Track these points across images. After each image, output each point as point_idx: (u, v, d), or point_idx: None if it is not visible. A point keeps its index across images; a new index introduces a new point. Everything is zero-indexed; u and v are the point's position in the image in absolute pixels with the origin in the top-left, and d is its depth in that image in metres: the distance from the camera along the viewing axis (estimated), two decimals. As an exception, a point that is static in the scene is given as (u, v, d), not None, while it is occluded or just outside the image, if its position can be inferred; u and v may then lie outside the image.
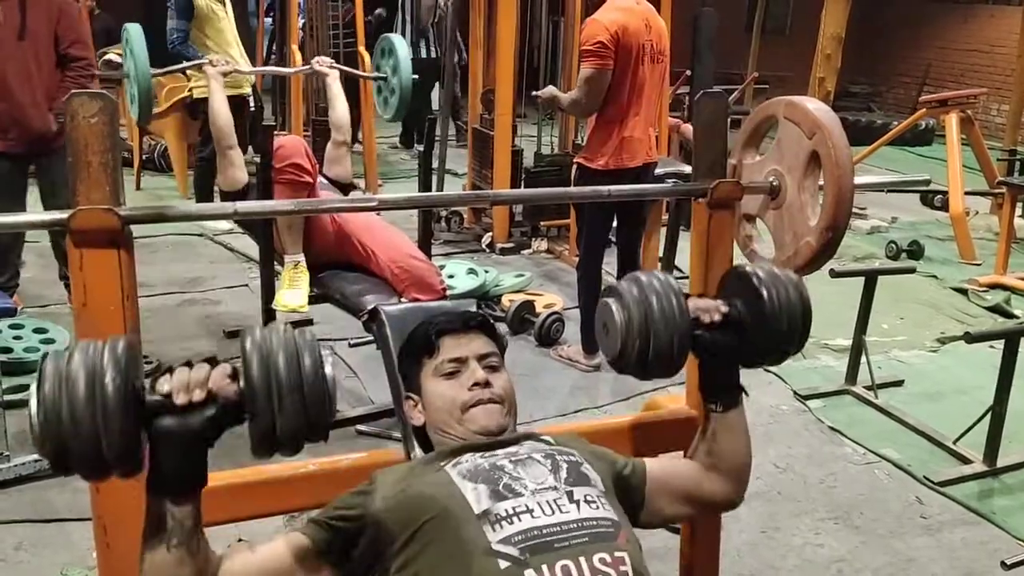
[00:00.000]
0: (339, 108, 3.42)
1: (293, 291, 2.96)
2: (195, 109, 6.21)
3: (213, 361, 1.10)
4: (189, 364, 1.09)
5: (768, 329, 1.33)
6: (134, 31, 3.05)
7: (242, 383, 1.06)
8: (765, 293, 1.33)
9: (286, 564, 1.22)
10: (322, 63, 3.60)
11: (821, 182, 1.60)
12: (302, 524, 1.83)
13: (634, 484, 1.41)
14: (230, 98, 5.16)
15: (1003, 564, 2.48)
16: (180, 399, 1.05)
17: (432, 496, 1.24)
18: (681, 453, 1.78)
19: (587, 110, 3.50)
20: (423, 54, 8.03)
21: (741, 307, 1.36)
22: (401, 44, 3.38)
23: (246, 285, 4.60)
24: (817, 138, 1.56)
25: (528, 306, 4.12)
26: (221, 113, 3.17)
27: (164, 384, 1.07)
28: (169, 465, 1.07)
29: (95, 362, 1.00)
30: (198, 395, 1.06)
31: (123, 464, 1.02)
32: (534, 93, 3.83)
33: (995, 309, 4.75)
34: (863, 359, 3.53)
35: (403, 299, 2.89)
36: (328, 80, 3.51)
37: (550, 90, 3.76)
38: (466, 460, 1.30)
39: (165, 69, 4.63)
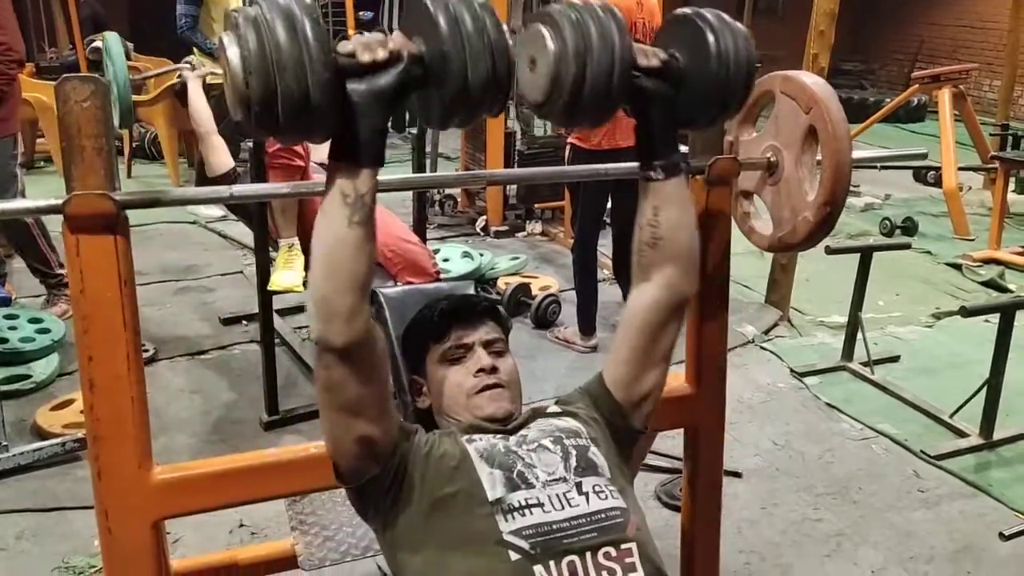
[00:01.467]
0: None
1: (288, 271, 2.96)
2: (185, 96, 6.19)
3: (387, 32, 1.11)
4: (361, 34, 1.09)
5: (710, 81, 1.24)
6: (112, 39, 3.00)
7: (424, 42, 1.05)
8: (712, 40, 1.23)
9: (381, 401, 1.22)
10: None
11: (819, 157, 1.60)
12: (302, 506, 1.84)
13: (606, 400, 1.40)
14: None
15: (1001, 535, 2.50)
16: (365, 57, 1.05)
17: (452, 471, 1.25)
18: (682, 432, 1.79)
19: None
20: None
21: (681, 56, 1.26)
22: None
23: (240, 272, 4.59)
24: (814, 112, 1.55)
25: (524, 289, 4.12)
26: (198, 104, 3.18)
27: (346, 45, 1.06)
28: (356, 129, 1.06)
29: (290, 6, 1.00)
30: (382, 53, 1.06)
31: (327, 105, 1.01)
32: None
33: (989, 284, 4.77)
34: (859, 336, 3.54)
35: (397, 282, 2.88)
36: None
37: None
38: (479, 438, 1.31)
39: (147, 74, 4.64)
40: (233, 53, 0.99)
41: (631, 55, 1.19)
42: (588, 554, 1.18)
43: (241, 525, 2.46)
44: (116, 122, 3.41)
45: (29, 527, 2.46)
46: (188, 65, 3.28)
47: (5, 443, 2.67)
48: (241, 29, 0.99)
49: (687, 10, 1.30)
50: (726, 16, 1.28)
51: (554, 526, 1.20)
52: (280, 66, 0.97)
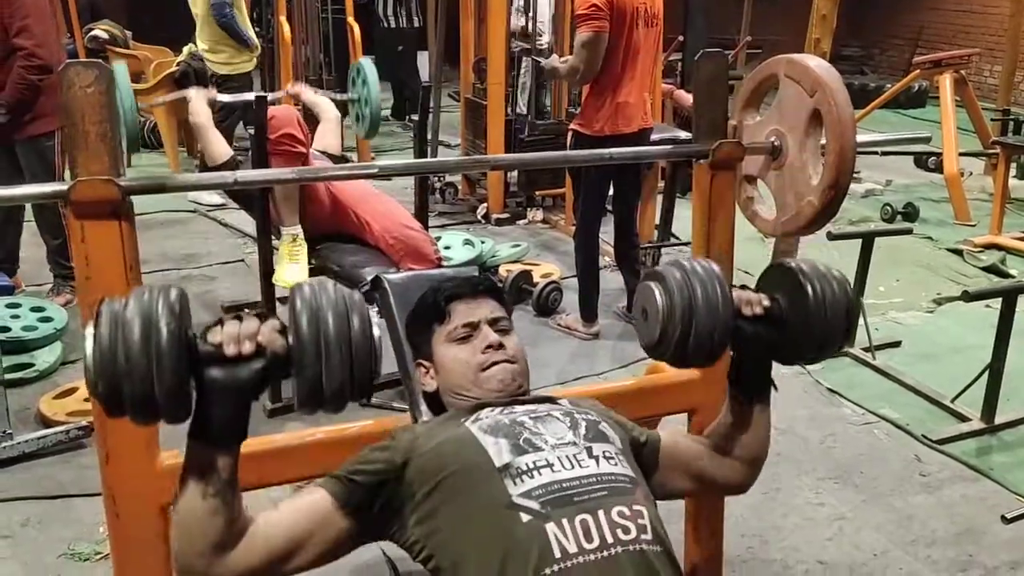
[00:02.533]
0: (323, 105, 3.47)
1: (293, 264, 2.96)
2: (185, 84, 6.19)
3: (263, 316, 1.11)
4: (239, 318, 1.10)
5: (810, 326, 1.30)
6: (120, 70, 3.04)
7: (291, 338, 1.08)
8: (810, 289, 1.29)
9: (308, 524, 1.22)
10: (294, 86, 3.70)
11: (822, 141, 1.60)
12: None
13: (648, 454, 1.43)
14: (245, 73, 5.65)
15: (1003, 518, 2.51)
16: (230, 350, 1.07)
17: (454, 450, 1.26)
18: (686, 416, 1.80)
19: (586, 76, 3.45)
20: (403, 24, 7.95)
21: (783, 302, 1.33)
22: (371, 68, 3.43)
23: (242, 260, 4.59)
24: (818, 96, 1.55)
25: (525, 276, 4.12)
26: (201, 107, 3.20)
27: (215, 335, 1.08)
28: (214, 414, 1.08)
29: (150, 308, 1.02)
30: (248, 347, 1.07)
31: (173, 408, 1.04)
32: (535, 58, 3.80)
33: (990, 269, 4.77)
34: (860, 321, 3.54)
35: (399, 269, 2.89)
36: (304, 97, 3.52)
37: (552, 61, 3.74)
38: (485, 416, 1.32)
39: (156, 101, 4.76)
40: (88, 346, 1.01)
41: (732, 317, 1.27)
42: (601, 512, 1.18)
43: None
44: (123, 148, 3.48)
45: (34, 514, 2.47)
46: (193, 91, 3.31)
47: (10, 431, 2.68)
48: (101, 326, 1.01)
49: (790, 262, 1.37)
50: (822, 267, 1.34)
51: (564, 484, 1.20)
52: (129, 370, 1.00)
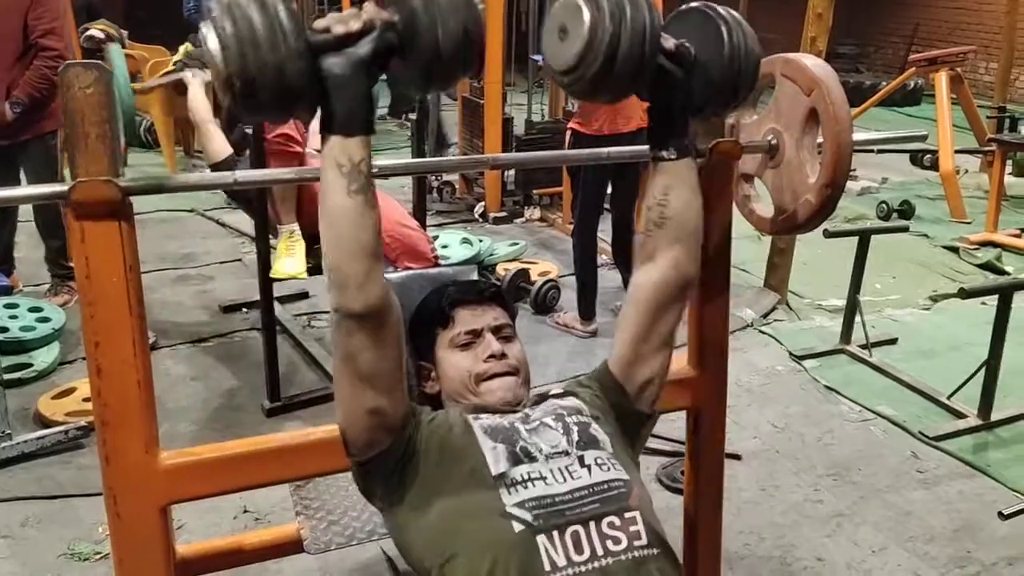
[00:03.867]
0: None
1: (290, 259, 2.97)
2: (182, 83, 6.18)
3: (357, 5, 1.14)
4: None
5: (723, 68, 1.28)
6: (115, 52, 3.06)
7: (396, 12, 1.10)
8: (725, 32, 1.27)
9: (396, 371, 1.23)
10: None
11: (819, 139, 1.60)
12: (307, 491, 1.85)
13: (612, 387, 1.41)
14: None
15: (1000, 514, 2.52)
16: (339, 30, 1.09)
17: (457, 448, 1.27)
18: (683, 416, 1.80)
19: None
20: None
21: (693, 47, 1.30)
22: None
23: (239, 259, 4.60)
24: (815, 95, 1.55)
25: (523, 275, 4.13)
26: (196, 96, 3.20)
27: (320, 22, 1.10)
28: (341, 100, 1.10)
29: None
30: (355, 24, 1.09)
31: (304, 81, 1.06)
32: (533, 56, 3.80)
33: (986, 266, 4.79)
34: (857, 318, 3.56)
35: (396, 268, 2.89)
36: None
37: None
38: (485, 416, 1.33)
39: (151, 83, 4.68)
40: (211, 39, 1.03)
41: (660, 24, 1.23)
42: (592, 523, 1.20)
43: (245, 511, 2.48)
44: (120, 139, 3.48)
45: (34, 514, 2.47)
46: (190, 73, 3.30)
47: (8, 431, 2.68)
48: (216, 16, 1.04)
49: (698, 4, 1.33)
50: (736, 13, 1.31)
51: (556, 498, 1.21)
52: (253, 42, 1.02)
